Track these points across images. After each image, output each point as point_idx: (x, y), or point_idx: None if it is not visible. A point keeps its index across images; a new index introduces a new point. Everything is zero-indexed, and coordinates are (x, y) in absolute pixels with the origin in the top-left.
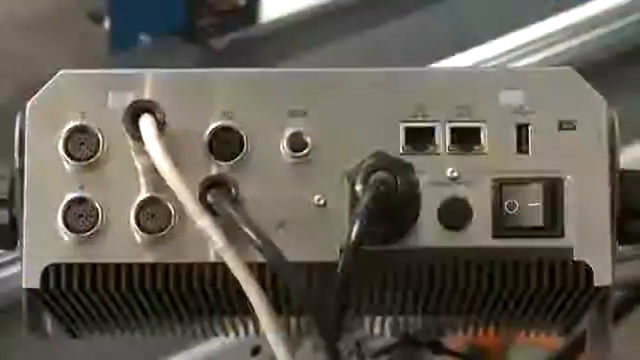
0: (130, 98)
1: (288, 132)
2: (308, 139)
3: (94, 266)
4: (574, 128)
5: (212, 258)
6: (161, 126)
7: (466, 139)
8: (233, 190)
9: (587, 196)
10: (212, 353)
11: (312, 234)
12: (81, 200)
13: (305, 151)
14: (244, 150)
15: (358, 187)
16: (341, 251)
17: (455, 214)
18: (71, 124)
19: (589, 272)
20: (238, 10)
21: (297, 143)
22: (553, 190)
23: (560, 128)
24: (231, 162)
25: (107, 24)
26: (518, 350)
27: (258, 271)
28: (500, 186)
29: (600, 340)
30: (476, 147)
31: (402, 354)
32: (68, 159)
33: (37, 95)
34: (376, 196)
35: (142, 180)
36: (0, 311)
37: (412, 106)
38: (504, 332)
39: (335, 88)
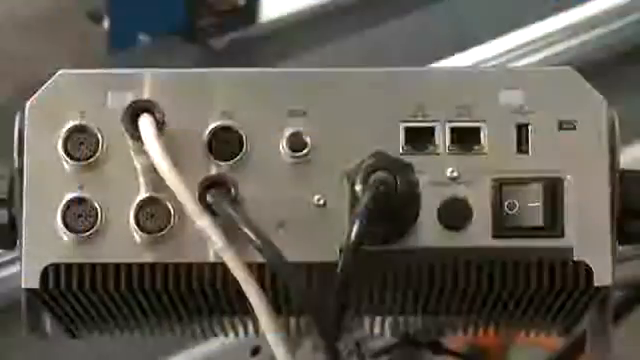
0: (129, 98)
1: (288, 132)
2: (308, 139)
3: (93, 266)
4: (574, 128)
5: (211, 258)
6: (160, 126)
7: (466, 139)
8: (233, 190)
9: (587, 196)
10: (212, 353)
11: (312, 234)
12: (80, 200)
13: (305, 151)
14: (244, 150)
15: (358, 187)
16: (341, 251)
17: (455, 214)
18: (70, 124)
19: (589, 272)
20: (238, 10)
21: (297, 143)
22: (553, 190)
23: (560, 128)
24: (230, 162)
25: (106, 24)
26: (518, 350)
27: (258, 271)
28: (500, 186)
29: (600, 340)
30: (476, 147)
31: (402, 354)
32: (67, 159)
33: (36, 95)
34: (376, 196)
35: (141, 180)
36: (0, 311)
37: (412, 106)
38: (504, 332)
39: (335, 88)
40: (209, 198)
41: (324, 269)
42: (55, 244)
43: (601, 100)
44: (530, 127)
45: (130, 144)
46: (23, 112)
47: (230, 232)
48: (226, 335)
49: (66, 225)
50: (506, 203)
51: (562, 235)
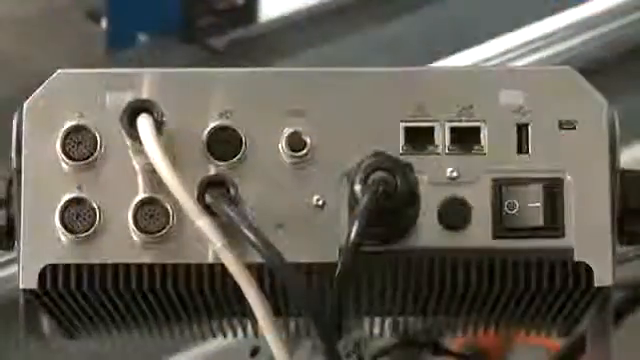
0: (128, 98)
1: (287, 132)
2: (307, 139)
3: (92, 267)
4: (574, 128)
5: (210, 259)
6: (159, 126)
7: (466, 139)
8: (232, 190)
9: (587, 196)
10: (210, 354)
11: (311, 234)
12: (79, 200)
13: (304, 151)
14: (243, 150)
15: (357, 187)
16: (340, 251)
17: (455, 214)
18: (68, 124)
19: (589, 272)
20: (236, 9)
21: (296, 143)
22: (553, 190)
23: (560, 128)
24: (230, 162)
25: (104, 24)
26: (518, 350)
27: (257, 272)
28: (500, 186)
29: (601, 341)
30: (476, 147)
31: (402, 355)
32: (65, 159)
33: (34, 95)
34: (376, 196)
35: (140, 180)
36: None
37: (412, 106)
38: (504, 332)
39: (334, 88)
40: (208, 198)
41: (323, 269)
42: (53, 244)
43: (601, 100)
44: (530, 127)
45: (129, 144)
46: (21, 112)
47: (229, 232)
48: (225, 336)
49: (64, 225)
50: (506, 203)
51: (562, 235)
